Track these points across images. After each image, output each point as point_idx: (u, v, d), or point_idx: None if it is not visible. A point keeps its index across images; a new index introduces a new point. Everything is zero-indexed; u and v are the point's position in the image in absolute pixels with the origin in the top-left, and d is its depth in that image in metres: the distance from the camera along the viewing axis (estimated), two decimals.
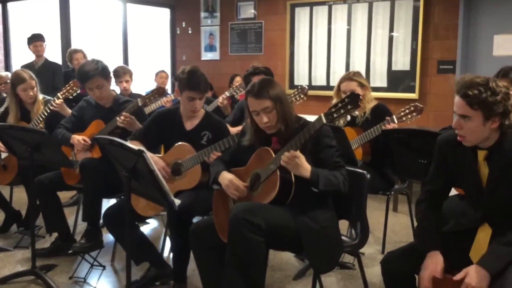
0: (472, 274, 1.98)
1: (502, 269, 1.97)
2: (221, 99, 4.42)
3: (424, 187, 2.34)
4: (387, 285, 2.32)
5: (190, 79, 3.05)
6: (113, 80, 4.11)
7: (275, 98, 2.50)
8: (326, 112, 2.33)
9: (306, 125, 2.41)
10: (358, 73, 3.83)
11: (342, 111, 2.30)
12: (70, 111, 3.88)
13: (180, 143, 3.11)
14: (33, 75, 3.99)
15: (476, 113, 1.99)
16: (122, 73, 5.00)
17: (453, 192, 2.76)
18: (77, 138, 3.58)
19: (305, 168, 2.38)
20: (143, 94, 3.76)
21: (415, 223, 3.75)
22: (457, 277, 2.02)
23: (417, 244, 2.25)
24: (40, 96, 4.05)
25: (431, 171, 2.32)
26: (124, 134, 3.30)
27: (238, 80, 6.57)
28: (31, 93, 3.93)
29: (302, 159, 2.37)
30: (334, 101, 3.64)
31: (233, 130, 3.78)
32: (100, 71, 3.53)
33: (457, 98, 2.03)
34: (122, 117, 3.43)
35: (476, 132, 2.04)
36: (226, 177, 2.64)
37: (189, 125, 3.20)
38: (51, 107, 3.84)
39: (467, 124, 2.03)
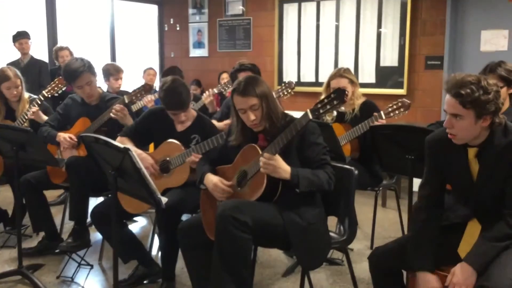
0: (458, 273, 1.99)
1: (487, 265, 1.97)
2: (205, 96, 4.38)
3: (420, 191, 2.28)
4: (375, 280, 2.33)
5: (167, 99, 3.03)
6: (100, 77, 4.07)
7: (261, 95, 2.49)
8: (313, 108, 2.32)
9: (293, 122, 2.40)
10: (348, 70, 3.83)
11: (328, 106, 2.29)
12: (45, 118, 3.80)
13: (169, 140, 3.09)
14: (19, 74, 3.93)
15: (468, 112, 1.98)
16: (116, 71, 4.96)
17: None
18: (63, 136, 3.55)
19: (284, 169, 2.36)
20: (131, 91, 3.72)
21: (404, 219, 3.79)
22: (447, 282, 2.02)
23: (408, 259, 2.18)
24: (26, 95, 4.00)
25: (425, 172, 2.28)
26: (110, 132, 3.27)
27: (224, 76, 6.55)
28: (15, 92, 3.88)
29: (279, 162, 2.36)
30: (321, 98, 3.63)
31: (221, 124, 3.77)
32: (87, 67, 3.51)
33: (448, 97, 2.01)
34: (115, 109, 3.40)
35: (468, 131, 2.03)
36: (211, 180, 2.62)
37: (180, 127, 3.19)
38: (26, 117, 3.78)
39: (458, 123, 2.02)
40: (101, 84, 4.79)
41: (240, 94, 2.50)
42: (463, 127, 2.02)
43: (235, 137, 2.63)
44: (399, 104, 3.49)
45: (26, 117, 3.81)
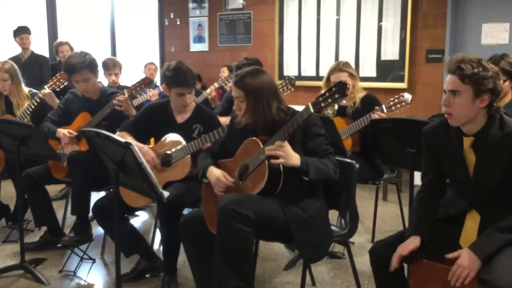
0: (465, 256, 2.00)
1: (492, 254, 1.98)
2: (209, 91, 4.40)
3: (423, 179, 2.36)
4: (376, 273, 2.33)
5: (176, 76, 3.05)
6: (101, 71, 4.07)
7: (248, 90, 2.50)
8: (314, 102, 2.33)
9: (294, 116, 2.41)
10: (347, 64, 3.82)
11: (329, 100, 2.29)
12: (57, 101, 3.85)
13: (170, 134, 3.09)
14: (11, 68, 3.93)
15: (467, 87, 2.02)
16: (112, 66, 4.96)
17: None
18: (62, 131, 3.55)
19: (295, 156, 2.37)
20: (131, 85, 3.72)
21: (405, 212, 3.79)
22: (450, 255, 2.04)
23: (406, 231, 2.27)
24: (26, 89, 4.01)
25: (424, 162, 2.33)
26: (111, 127, 3.27)
27: (223, 70, 6.54)
28: (1, 85, 3.91)
29: (289, 149, 2.37)
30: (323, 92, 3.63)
31: (221, 120, 3.76)
32: (87, 64, 3.50)
33: (448, 76, 2.07)
34: (119, 99, 3.41)
35: (465, 109, 2.05)
36: (213, 173, 2.63)
37: (180, 118, 3.19)
38: (41, 96, 3.81)
39: (456, 100, 2.05)
40: (102, 78, 4.79)
41: (233, 83, 2.57)
42: (461, 104, 2.04)
43: (239, 121, 2.65)
44: (401, 98, 3.49)
45: (29, 112, 3.82)
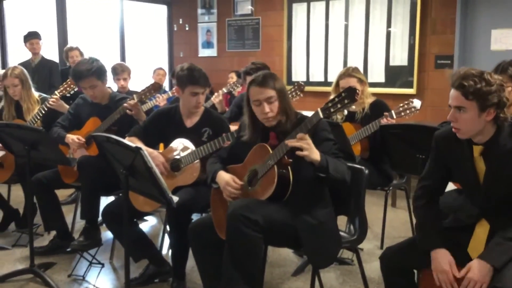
0: (475, 268, 1.98)
1: (505, 263, 1.96)
2: (214, 96, 4.41)
3: (420, 182, 2.32)
4: (386, 280, 2.32)
5: (191, 74, 3.07)
6: (110, 77, 4.09)
7: (279, 89, 2.52)
8: (323, 107, 2.32)
9: (304, 121, 2.40)
10: (356, 69, 3.82)
11: (339, 105, 2.29)
12: (67, 107, 3.88)
13: (179, 139, 3.10)
14: (21, 73, 3.96)
15: (471, 104, 2.00)
16: (121, 71, 4.99)
17: (451, 186, 2.77)
18: (71, 137, 3.57)
19: (315, 151, 2.33)
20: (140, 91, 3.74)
21: (414, 219, 3.77)
22: (461, 274, 2.02)
23: (418, 243, 2.21)
24: (36, 94, 4.04)
25: (428, 166, 2.31)
26: (120, 132, 3.29)
27: (232, 76, 6.55)
28: (11, 91, 3.94)
29: (311, 142, 2.32)
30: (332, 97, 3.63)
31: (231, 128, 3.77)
32: (93, 71, 3.52)
33: (452, 91, 2.05)
34: (129, 104, 3.44)
35: (471, 124, 2.04)
36: (223, 178, 2.63)
37: (189, 122, 3.20)
38: (48, 105, 3.84)
39: (462, 116, 2.04)
40: (111, 83, 4.82)
41: (258, 85, 2.52)
42: (467, 120, 2.03)
43: (246, 133, 2.65)
44: (410, 104, 3.48)
45: (39, 117, 3.85)
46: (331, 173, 2.35)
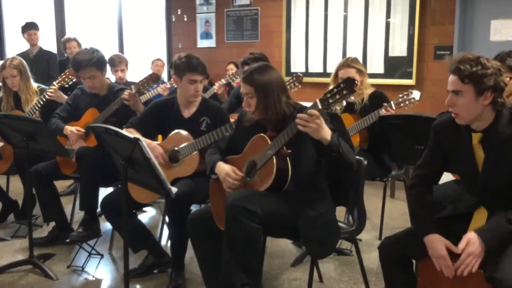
0: (474, 242, 1.99)
1: (497, 243, 1.98)
2: (217, 86, 4.40)
3: (415, 171, 2.33)
4: (385, 270, 2.33)
5: (189, 62, 3.07)
6: (108, 68, 4.08)
7: (258, 86, 2.49)
8: (322, 98, 2.31)
9: (302, 111, 2.39)
10: (355, 59, 3.81)
11: (337, 96, 2.27)
12: (65, 97, 3.87)
13: (177, 130, 3.10)
14: (20, 64, 3.95)
15: (468, 87, 2.01)
16: (118, 62, 4.97)
17: (450, 177, 2.77)
18: (70, 129, 3.56)
19: (327, 130, 2.28)
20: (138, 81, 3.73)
21: None
22: (460, 247, 2.01)
23: (414, 229, 2.24)
24: (35, 85, 4.03)
25: (425, 155, 2.32)
26: (119, 123, 3.28)
27: (231, 67, 6.54)
28: (10, 82, 3.92)
29: (322, 121, 2.27)
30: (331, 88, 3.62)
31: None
32: (94, 62, 3.51)
33: (450, 77, 2.07)
34: (126, 94, 3.43)
35: (469, 108, 2.04)
36: (222, 169, 2.63)
37: (187, 113, 3.20)
38: (47, 96, 3.83)
39: (459, 100, 2.05)
40: (109, 74, 4.80)
41: (242, 79, 2.56)
42: (464, 104, 2.04)
43: (249, 118, 2.65)
44: (410, 95, 3.48)
45: (37, 108, 3.84)
46: (343, 151, 2.33)
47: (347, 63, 3.74)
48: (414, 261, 2.36)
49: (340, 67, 3.75)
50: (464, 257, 1.99)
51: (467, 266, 1.98)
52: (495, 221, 2.04)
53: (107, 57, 3.87)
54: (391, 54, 6.09)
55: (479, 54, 2.06)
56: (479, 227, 2.05)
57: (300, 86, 3.92)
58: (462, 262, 2.00)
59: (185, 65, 3.07)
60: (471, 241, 2.00)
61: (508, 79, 2.89)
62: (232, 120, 3.15)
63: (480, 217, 2.15)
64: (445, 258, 2.05)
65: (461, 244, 2.02)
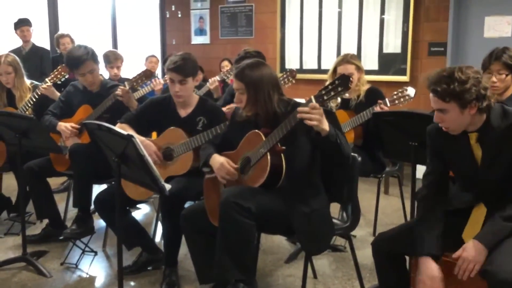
0: (470, 248, 2.00)
1: (498, 243, 1.98)
2: (211, 81, 4.39)
3: (424, 180, 2.29)
4: (378, 266, 2.34)
5: (171, 60, 3.04)
6: (102, 64, 4.06)
7: (248, 82, 2.49)
8: (317, 94, 2.30)
9: (297, 108, 2.39)
10: (354, 56, 3.81)
11: (332, 93, 2.27)
12: (58, 94, 3.85)
13: (172, 128, 3.08)
14: (15, 61, 3.91)
15: (451, 105, 2.01)
16: (114, 59, 4.94)
17: None
18: (63, 125, 3.55)
19: (326, 122, 2.28)
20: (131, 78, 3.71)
21: (407, 206, 3.79)
22: (456, 254, 2.02)
23: (414, 245, 2.16)
24: (28, 82, 4.00)
25: (428, 164, 2.30)
26: (112, 119, 3.27)
27: (225, 64, 6.52)
28: (4, 79, 3.89)
29: (323, 113, 2.27)
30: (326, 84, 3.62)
31: (223, 109, 3.75)
32: (90, 55, 3.52)
33: (430, 96, 2.07)
34: (120, 90, 3.40)
35: (457, 121, 2.06)
36: (217, 160, 2.63)
37: (184, 112, 3.17)
38: (40, 92, 3.80)
39: (446, 116, 2.06)
40: (103, 71, 4.78)
41: (233, 75, 2.57)
42: (452, 118, 2.05)
43: (241, 114, 2.64)
44: (405, 92, 3.48)
45: (30, 105, 3.81)
46: (341, 142, 2.34)
47: (347, 59, 3.73)
48: (407, 258, 2.36)
49: (339, 62, 3.74)
50: (459, 262, 2.01)
51: (464, 271, 1.99)
52: (491, 223, 2.05)
53: (101, 54, 3.86)
54: (385, 50, 6.10)
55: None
56: (477, 234, 2.04)
57: (294, 82, 3.90)
58: (459, 267, 2.01)
59: (167, 63, 3.06)
60: (466, 247, 2.01)
61: (504, 76, 2.91)
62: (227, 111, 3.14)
63: (478, 213, 2.16)
64: (437, 280, 2.04)
65: (458, 252, 2.03)
